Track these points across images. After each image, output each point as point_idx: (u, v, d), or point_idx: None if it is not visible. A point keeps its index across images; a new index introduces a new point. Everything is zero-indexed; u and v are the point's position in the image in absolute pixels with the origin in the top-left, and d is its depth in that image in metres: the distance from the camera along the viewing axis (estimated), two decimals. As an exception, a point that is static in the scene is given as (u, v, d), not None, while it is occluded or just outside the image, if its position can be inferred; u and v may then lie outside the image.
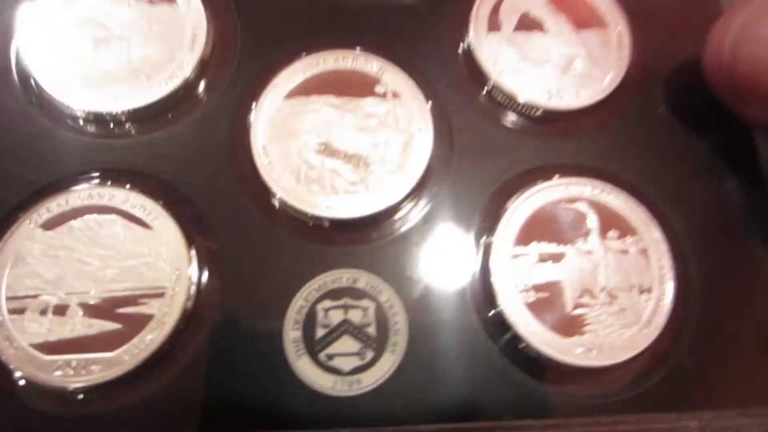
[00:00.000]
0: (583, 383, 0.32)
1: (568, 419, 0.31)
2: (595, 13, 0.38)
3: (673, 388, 0.32)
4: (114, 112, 0.33)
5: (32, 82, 0.34)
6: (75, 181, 0.33)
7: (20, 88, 0.34)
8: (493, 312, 0.32)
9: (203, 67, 0.35)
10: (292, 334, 0.32)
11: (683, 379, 0.32)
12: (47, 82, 0.34)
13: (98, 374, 0.29)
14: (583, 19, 0.38)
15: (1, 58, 0.35)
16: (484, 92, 0.36)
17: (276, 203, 0.33)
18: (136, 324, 0.30)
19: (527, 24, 0.37)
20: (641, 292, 0.33)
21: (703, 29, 0.34)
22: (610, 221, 0.34)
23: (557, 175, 0.35)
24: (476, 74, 0.36)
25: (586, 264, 0.33)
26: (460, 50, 0.37)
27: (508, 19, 0.37)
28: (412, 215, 0.34)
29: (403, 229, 0.34)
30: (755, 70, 0.32)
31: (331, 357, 0.31)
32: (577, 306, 0.33)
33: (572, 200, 0.34)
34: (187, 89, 0.34)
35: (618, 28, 0.37)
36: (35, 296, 0.30)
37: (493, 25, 0.37)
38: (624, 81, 0.36)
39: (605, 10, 0.38)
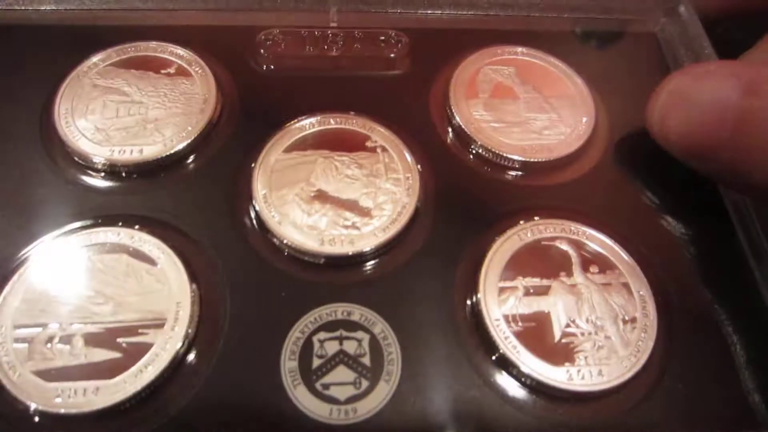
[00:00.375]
0: (575, 409, 0.33)
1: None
2: (560, 82, 0.43)
3: (663, 413, 0.33)
4: (128, 163, 0.37)
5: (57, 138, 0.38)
6: (88, 224, 0.35)
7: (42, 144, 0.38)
8: (481, 341, 0.34)
9: (211, 129, 0.39)
10: (288, 364, 0.32)
11: (672, 404, 0.33)
12: (73, 137, 0.37)
13: (98, 400, 0.30)
14: (549, 87, 0.42)
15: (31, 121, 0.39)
16: (471, 150, 0.40)
17: (275, 243, 0.35)
18: (137, 352, 0.31)
19: (501, 92, 0.42)
20: (625, 322, 0.34)
21: (653, 83, 0.38)
22: (590, 258, 0.36)
23: (537, 217, 0.38)
24: (458, 133, 0.40)
25: (570, 296, 0.35)
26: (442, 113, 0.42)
27: (483, 88, 0.42)
28: (402, 253, 0.36)
29: (394, 266, 0.36)
30: (683, 131, 0.36)
31: (327, 386, 0.32)
32: (564, 335, 0.34)
33: (553, 239, 0.37)
34: (195, 146, 0.38)
35: (582, 93, 0.42)
36: (41, 326, 0.31)
37: (471, 93, 0.42)
38: (591, 137, 0.40)
39: (567, 80, 0.43)
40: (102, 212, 0.36)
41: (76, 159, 0.37)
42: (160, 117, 0.38)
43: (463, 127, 0.40)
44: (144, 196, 0.37)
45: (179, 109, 0.39)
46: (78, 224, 0.35)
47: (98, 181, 0.37)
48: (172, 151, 0.37)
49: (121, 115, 0.38)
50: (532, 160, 0.39)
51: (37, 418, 0.30)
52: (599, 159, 0.41)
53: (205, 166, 0.38)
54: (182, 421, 0.31)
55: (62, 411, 0.30)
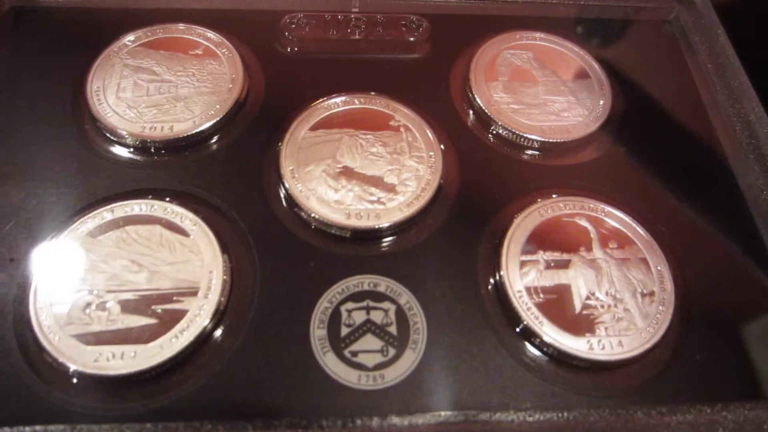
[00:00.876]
0: (595, 378, 0.33)
1: (584, 413, 0.32)
2: (577, 66, 0.44)
3: (680, 383, 0.34)
4: (158, 139, 0.38)
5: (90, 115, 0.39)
6: (120, 196, 0.36)
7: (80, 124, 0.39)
8: (504, 312, 0.35)
9: (239, 108, 0.40)
10: (318, 333, 0.33)
11: (689, 375, 0.34)
12: (105, 114, 0.38)
13: (135, 363, 0.31)
14: (567, 71, 0.43)
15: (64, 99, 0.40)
16: (491, 130, 0.41)
17: (302, 217, 0.36)
18: (171, 319, 0.32)
19: (519, 75, 0.43)
20: (643, 296, 0.35)
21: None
22: (608, 234, 0.37)
23: (555, 195, 0.39)
24: (479, 114, 0.41)
25: (590, 270, 0.36)
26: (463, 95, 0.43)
27: (502, 72, 0.43)
28: (426, 227, 0.37)
29: (419, 239, 0.37)
30: None
31: (355, 354, 0.33)
32: (584, 307, 0.35)
33: (572, 215, 0.38)
34: (224, 123, 0.39)
35: (599, 77, 0.43)
36: (79, 293, 0.32)
37: (491, 76, 0.43)
38: (608, 119, 0.41)
39: (585, 64, 0.44)
40: (134, 186, 0.37)
41: (108, 135, 0.38)
42: (189, 95, 0.39)
43: (483, 108, 0.41)
44: (174, 171, 0.38)
45: (207, 88, 0.40)
46: (112, 197, 0.36)
47: (130, 156, 0.38)
48: (201, 128, 0.38)
49: (152, 93, 0.39)
50: (551, 140, 0.40)
51: (75, 379, 0.31)
52: (615, 140, 0.42)
53: (233, 143, 0.39)
54: (214, 386, 0.32)
55: (101, 372, 0.31)
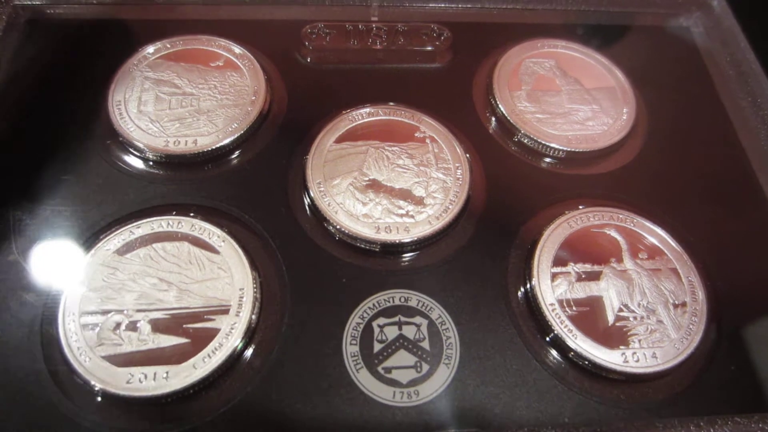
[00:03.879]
0: (629, 390, 0.33)
1: (621, 426, 0.32)
2: (600, 74, 0.44)
3: (714, 394, 0.33)
4: (182, 155, 0.37)
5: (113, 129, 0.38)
6: (145, 212, 0.35)
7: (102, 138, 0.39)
8: (537, 325, 0.34)
9: (262, 120, 0.39)
10: (350, 349, 0.33)
11: (723, 386, 0.34)
12: (127, 129, 0.38)
13: (169, 384, 0.30)
14: (590, 79, 0.43)
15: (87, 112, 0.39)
16: (515, 140, 0.41)
17: (331, 231, 0.36)
18: (203, 338, 0.32)
19: (542, 83, 0.43)
20: (675, 307, 0.35)
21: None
22: (638, 244, 0.37)
23: (581, 206, 0.38)
24: (503, 124, 0.41)
25: (622, 281, 0.36)
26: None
27: (525, 80, 0.43)
28: (455, 241, 0.37)
29: (449, 252, 0.36)
30: None
31: (388, 370, 0.32)
32: (617, 319, 0.35)
33: (601, 226, 0.37)
34: (248, 136, 0.39)
35: (622, 85, 0.43)
36: (108, 313, 0.32)
37: (514, 85, 0.43)
38: (633, 127, 0.41)
39: (607, 72, 0.44)
40: (158, 201, 0.36)
41: (131, 149, 0.38)
42: (211, 108, 0.39)
43: (508, 117, 0.41)
44: (198, 185, 0.37)
45: (230, 100, 0.39)
46: (136, 213, 0.35)
47: (153, 171, 0.37)
48: (225, 142, 0.38)
49: (174, 106, 0.38)
50: (577, 150, 0.40)
51: (106, 402, 0.30)
52: (640, 149, 0.41)
53: (257, 156, 0.38)
54: (247, 406, 0.31)
55: (133, 394, 0.30)
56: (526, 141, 0.40)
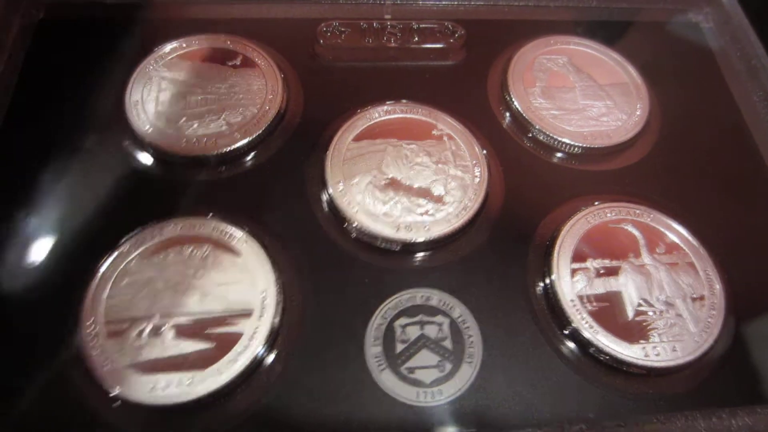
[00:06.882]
0: (650, 384, 0.33)
1: (645, 419, 0.32)
2: (612, 70, 0.44)
3: (733, 387, 0.34)
4: (201, 155, 0.37)
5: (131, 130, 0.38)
6: (165, 214, 0.35)
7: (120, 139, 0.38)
8: (557, 321, 0.34)
9: (280, 119, 0.39)
10: (373, 350, 0.33)
11: (742, 378, 0.34)
12: (145, 129, 0.38)
13: (193, 391, 0.30)
14: (603, 76, 0.43)
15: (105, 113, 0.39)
16: (529, 136, 0.41)
17: (351, 231, 0.36)
18: (226, 342, 0.31)
19: (556, 80, 0.43)
20: (694, 300, 0.35)
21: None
22: (655, 239, 0.37)
23: (597, 202, 0.38)
24: (518, 120, 0.41)
25: (640, 276, 0.36)
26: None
27: (539, 77, 0.43)
28: (474, 238, 0.37)
29: (468, 250, 0.36)
30: None
31: (411, 370, 0.33)
32: (637, 314, 0.35)
33: (618, 221, 0.38)
34: (266, 135, 0.38)
35: (635, 81, 0.43)
36: (131, 319, 0.32)
37: (528, 82, 0.43)
38: (647, 123, 0.41)
39: (620, 68, 0.44)
40: (177, 203, 0.36)
41: (149, 150, 0.37)
42: (229, 107, 0.39)
43: (523, 114, 0.41)
44: (215, 186, 0.37)
45: (247, 100, 0.39)
46: (156, 215, 0.35)
47: (171, 172, 0.37)
48: (243, 142, 0.37)
49: (192, 106, 0.38)
50: (592, 146, 0.40)
51: (129, 409, 0.30)
52: (654, 144, 0.42)
53: (276, 155, 0.38)
54: (273, 408, 0.31)
55: (157, 402, 0.30)
56: (541, 137, 0.41)
